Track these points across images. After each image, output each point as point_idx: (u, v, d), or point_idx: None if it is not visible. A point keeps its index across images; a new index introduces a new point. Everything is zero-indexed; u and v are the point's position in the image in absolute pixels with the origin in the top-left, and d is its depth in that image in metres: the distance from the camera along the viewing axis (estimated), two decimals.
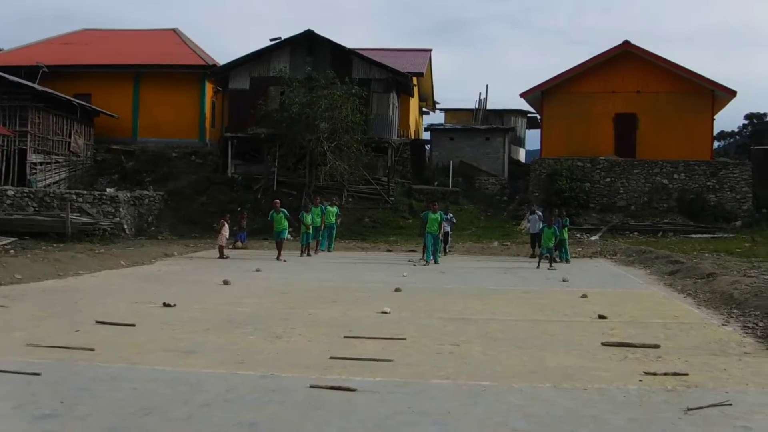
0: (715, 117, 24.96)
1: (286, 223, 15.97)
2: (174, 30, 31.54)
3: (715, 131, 29.14)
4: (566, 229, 16.22)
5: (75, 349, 5.67)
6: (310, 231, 16.46)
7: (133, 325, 6.83)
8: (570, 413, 4.21)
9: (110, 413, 3.99)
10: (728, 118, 55.55)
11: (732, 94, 24.03)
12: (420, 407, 4.25)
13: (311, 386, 4.64)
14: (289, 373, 5.04)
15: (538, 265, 14.00)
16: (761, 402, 4.51)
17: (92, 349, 5.65)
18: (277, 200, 16.98)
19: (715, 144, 33.17)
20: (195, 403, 4.23)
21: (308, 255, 16.23)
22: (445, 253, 17.10)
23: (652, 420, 4.09)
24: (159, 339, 6.27)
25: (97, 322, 6.92)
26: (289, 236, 16.86)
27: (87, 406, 4.12)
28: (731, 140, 43.61)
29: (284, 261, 14.86)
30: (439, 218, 14.54)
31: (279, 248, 15.51)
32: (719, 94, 24.13)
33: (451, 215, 18.01)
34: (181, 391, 4.49)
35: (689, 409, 4.25)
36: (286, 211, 16.21)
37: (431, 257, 14.56)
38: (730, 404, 4.38)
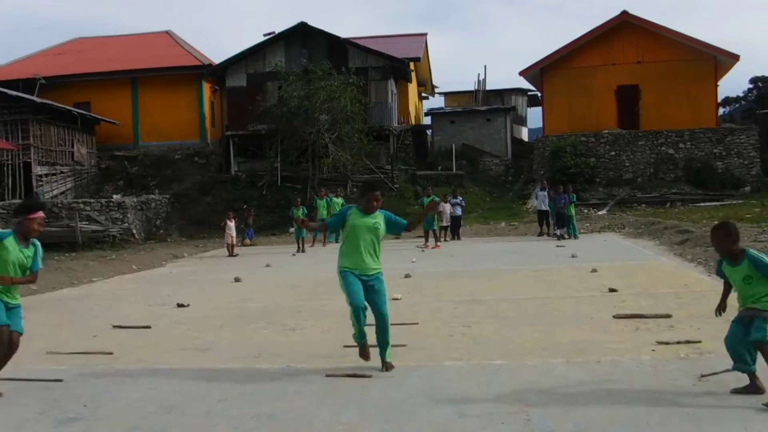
0: (718, 83, 24.63)
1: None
2: (167, 32, 31.46)
3: (720, 97, 28.76)
4: (573, 205, 16.19)
5: (94, 354, 5.78)
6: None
7: (149, 327, 6.93)
8: (584, 386, 4.24)
9: (132, 413, 4.08)
10: (733, 83, 54.89)
11: (735, 58, 23.66)
12: (435, 389, 4.30)
13: (327, 375, 4.71)
14: (305, 364, 5.11)
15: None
16: None
17: (111, 353, 5.75)
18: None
19: (720, 110, 32.76)
20: (213, 399, 4.31)
21: (302, 251, 15.53)
22: (459, 238, 17.12)
23: (666, 388, 4.11)
24: (175, 339, 6.36)
25: (114, 326, 7.03)
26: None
27: (109, 407, 4.21)
28: (737, 105, 43.00)
29: (293, 255, 14.97)
30: (371, 225, 5.01)
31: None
32: (722, 59, 23.76)
33: (461, 198, 17.98)
34: (200, 388, 4.57)
35: (703, 376, 4.28)
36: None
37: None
38: None
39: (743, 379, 4.21)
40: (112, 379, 4.93)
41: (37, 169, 22.30)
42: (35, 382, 4.88)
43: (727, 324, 4.18)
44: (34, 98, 22.88)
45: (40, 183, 22.40)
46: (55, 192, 22.93)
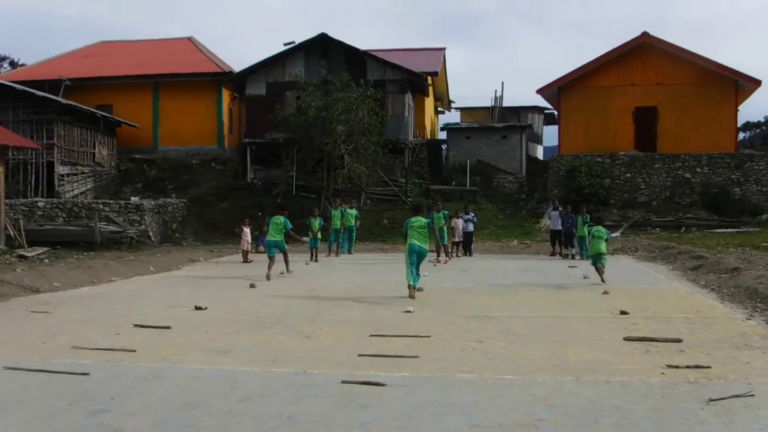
0: (739, 107, 24.50)
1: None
2: (190, 38, 32.13)
3: (740, 122, 28.61)
4: (587, 225, 16.19)
5: (118, 350, 5.99)
6: (318, 236, 16.42)
7: (169, 327, 7.14)
8: (593, 404, 4.34)
9: (158, 408, 4.27)
10: (754, 109, 54.41)
11: (757, 83, 23.51)
12: (447, 400, 4.43)
13: (343, 381, 4.86)
14: (321, 370, 5.27)
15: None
16: None
17: (134, 351, 5.96)
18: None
19: (740, 135, 32.58)
20: (235, 398, 4.48)
21: (315, 261, 15.75)
22: (471, 254, 17.18)
23: (675, 410, 4.20)
24: (195, 340, 6.56)
25: (135, 325, 7.25)
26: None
27: (135, 402, 4.40)
28: (757, 131, 42.72)
29: (306, 264, 15.17)
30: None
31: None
32: (743, 84, 23.66)
33: (473, 214, 18.03)
34: (221, 388, 4.75)
35: (711, 400, 4.35)
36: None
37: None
38: (753, 395, 4.46)
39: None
40: (136, 375, 5.13)
41: (60, 169, 22.83)
42: (64, 374, 5.09)
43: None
44: (60, 99, 23.47)
45: (62, 182, 22.92)
46: (75, 192, 23.44)
